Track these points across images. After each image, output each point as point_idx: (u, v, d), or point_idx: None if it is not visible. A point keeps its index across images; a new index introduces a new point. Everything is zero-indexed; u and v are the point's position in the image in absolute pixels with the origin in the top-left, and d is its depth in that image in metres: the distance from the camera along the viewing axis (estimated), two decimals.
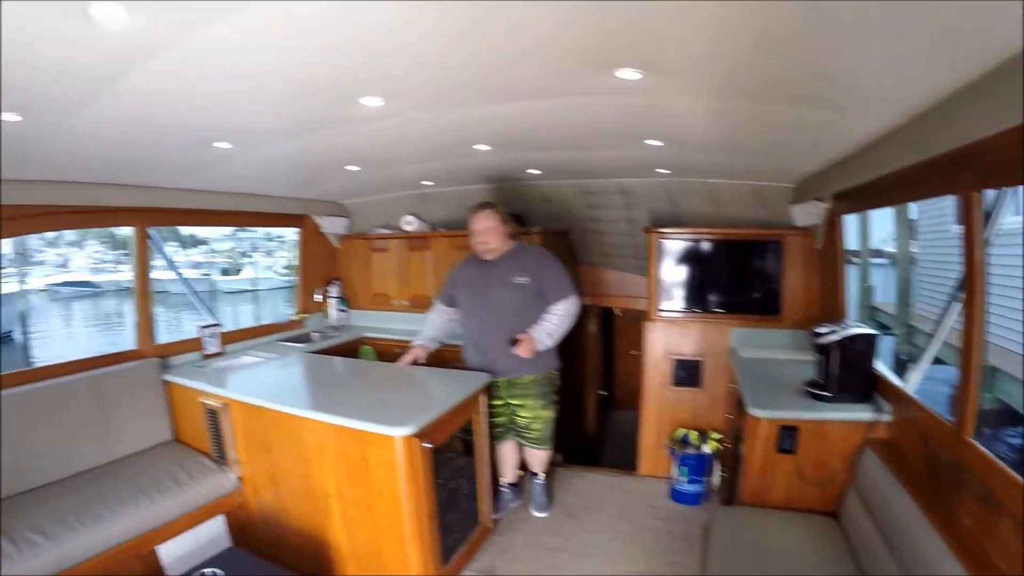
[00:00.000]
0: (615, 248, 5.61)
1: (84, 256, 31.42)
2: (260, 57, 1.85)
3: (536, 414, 3.83)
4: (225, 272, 30.95)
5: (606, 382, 6.98)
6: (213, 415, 3.61)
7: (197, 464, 3.57)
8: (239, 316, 23.17)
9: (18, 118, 2.16)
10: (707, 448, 4.16)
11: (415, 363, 3.91)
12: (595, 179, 4.75)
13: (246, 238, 31.89)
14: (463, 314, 3.93)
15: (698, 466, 4.13)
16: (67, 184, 3.44)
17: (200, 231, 32.60)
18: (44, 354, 15.51)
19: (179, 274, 5.30)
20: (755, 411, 3.03)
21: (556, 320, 3.67)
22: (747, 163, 3.76)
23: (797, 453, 3.02)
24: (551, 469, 4.39)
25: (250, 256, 31.41)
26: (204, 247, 33.02)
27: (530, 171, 4.49)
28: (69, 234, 29.12)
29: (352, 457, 2.97)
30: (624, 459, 5.13)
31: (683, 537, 3.73)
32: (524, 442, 3.94)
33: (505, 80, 2.23)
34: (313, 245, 5.81)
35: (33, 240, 25.74)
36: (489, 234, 3.67)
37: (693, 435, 4.24)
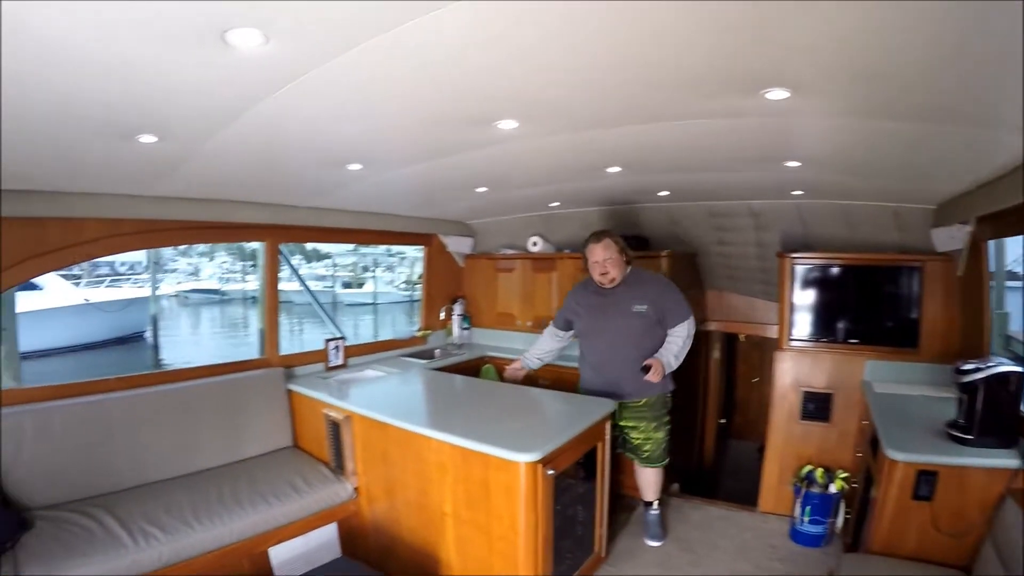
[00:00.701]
0: (742, 272, 5.38)
1: (214, 266, 33.26)
2: (396, 82, 1.85)
3: (649, 435, 3.78)
4: (347, 285, 31.93)
5: (726, 410, 6.68)
6: (335, 426, 3.66)
7: (316, 472, 3.64)
8: (359, 327, 23.88)
9: (154, 139, 2.25)
10: (833, 487, 3.87)
11: (514, 378, 4.12)
12: (725, 201, 4.57)
13: (368, 253, 32.86)
14: (582, 339, 3.95)
15: (823, 506, 3.85)
16: (202, 201, 3.64)
17: (324, 246, 33.94)
18: (171, 355, 16.61)
19: (307, 288, 5.52)
20: (892, 453, 2.75)
21: (680, 343, 3.69)
22: (886, 184, 3.50)
23: (933, 500, 2.72)
24: (666, 498, 4.24)
25: (371, 271, 32.42)
26: (328, 261, 34.29)
27: (660, 193, 4.37)
28: (200, 246, 31.13)
29: (473, 479, 2.93)
30: (741, 491, 4.88)
31: None
32: (636, 461, 3.87)
33: (646, 104, 2.16)
34: (438, 263, 5.89)
35: (167, 250, 27.53)
36: (609, 264, 3.66)
37: (819, 473, 3.95)
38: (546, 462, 2.75)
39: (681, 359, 3.71)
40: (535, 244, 5.55)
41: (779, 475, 4.33)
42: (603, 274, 3.68)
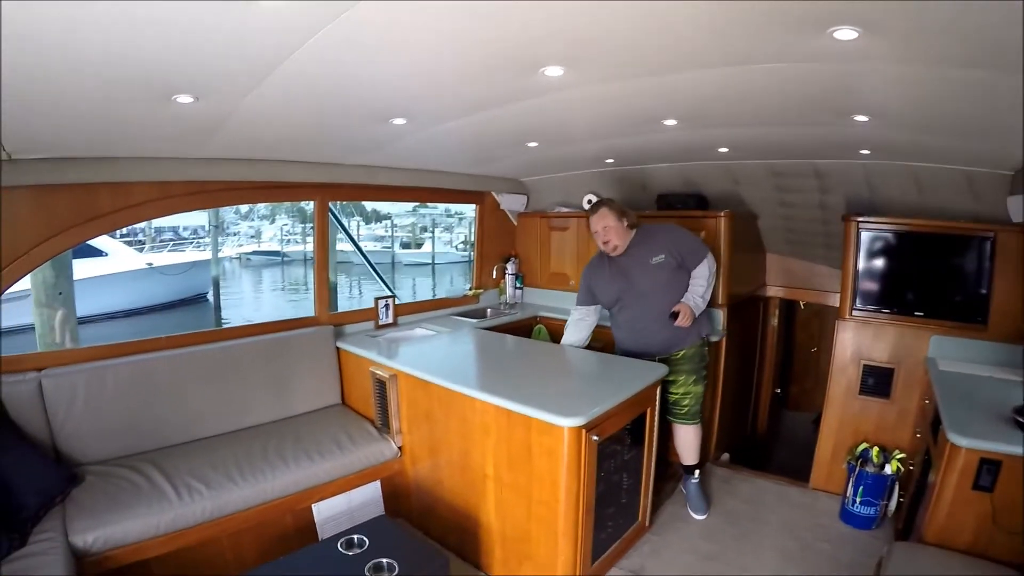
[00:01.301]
0: (804, 236, 5.11)
1: (275, 228, 33.82)
2: (434, 29, 1.75)
3: (687, 389, 3.70)
4: (406, 246, 32.13)
5: (782, 379, 6.47)
6: (381, 385, 3.64)
7: (361, 430, 3.65)
8: (417, 287, 24.18)
9: (191, 99, 2.22)
10: (889, 468, 3.66)
11: None
12: (788, 159, 4.29)
13: (426, 214, 33.03)
14: (612, 312, 3.88)
15: (876, 487, 3.65)
16: (249, 161, 3.63)
17: (383, 207, 34.20)
18: (233, 314, 17.06)
19: (358, 246, 5.53)
20: (954, 437, 2.51)
21: (704, 283, 3.66)
22: (961, 143, 3.20)
23: (994, 492, 2.49)
24: (714, 468, 4.21)
25: (430, 231, 32.59)
26: (387, 221, 34.54)
27: (719, 150, 4.13)
28: (261, 208, 31.82)
29: (515, 441, 2.85)
30: (794, 465, 4.70)
31: (848, 565, 3.31)
32: (673, 419, 3.76)
33: (702, 46, 1.98)
34: (491, 221, 5.79)
35: (228, 214, 28.18)
36: (609, 233, 3.61)
37: (875, 452, 3.75)
38: (591, 427, 2.66)
39: (708, 298, 3.69)
40: (590, 202, 5.33)
41: (833, 451, 4.14)
42: (605, 243, 3.65)
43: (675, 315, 3.56)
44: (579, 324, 3.94)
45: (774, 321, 5.93)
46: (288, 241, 31.23)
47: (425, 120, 3.05)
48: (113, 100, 2.15)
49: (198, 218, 24.71)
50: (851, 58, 1.98)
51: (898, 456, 3.68)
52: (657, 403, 3.32)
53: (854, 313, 4.07)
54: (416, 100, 2.66)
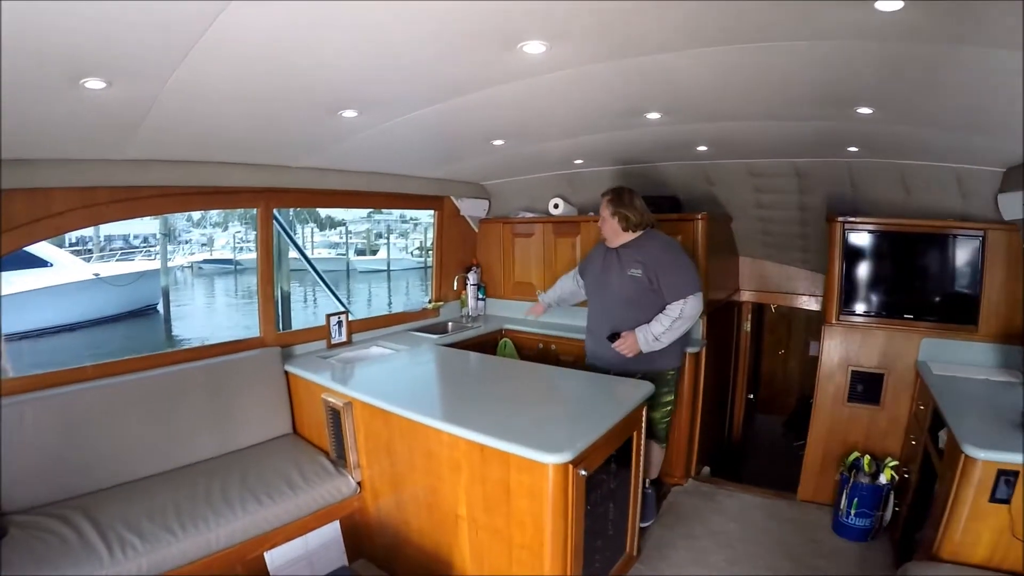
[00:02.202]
0: (780, 239, 4.85)
1: (227, 236, 32.76)
2: None
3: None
4: (361, 252, 31.73)
5: (752, 383, 6.23)
6: (335, 414, 3.22)
7: (315, 464, 3.23)
8: (373, 294, 23.93)
9: (102, 84, 1.84)
10: (883, 478, 3.46)
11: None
12: (767, 159, 4.01)
13: (381, 220, 32.80)
14: (588, 298, 3.76)
15: (871, 498, 3.45)
16: (186, 164, 3.22)
17: (337, 213, 33.84)
18: (184, 327, 16.27)
19: (307, 259, 5.06)
20: (971, 450, 2.32)
21: (667, 323, 3.28)
22: (953, 138, 2.95)
23: (1011, 504, 2.32)
24: (696, 484, 4.07)
25: (384, 237, 32.17)
26: (341, 228, 33.99)
27: (698, 148, 3.82)
28: (214, 215, 30.82)
29: (491, 479, 2.46)
30: (774, 473, 4.56)
31: None
32: None
33: (707, 19, 1.66)
34: (451, 229, 5.36)
35: (180, 222, 27.12)
36: (602, 224, 3.52)
37: (867, 460, 3.55)
38: (578, 462, 2.28)
39: (664, 342, 3.30)
40: (556, 206, 4.99)
41: (822, 461, 3.92)
42: (605, 231, 3.54)
43: (613, 338, 3.35)
44: (571, 281, 3.95)
45: (747, 326, 5.68)
46: (241, 249, 30.22)
47: (380, 112, 2.65)
48: (8, 85, 1.72)
49: (149, 225, 23.75)
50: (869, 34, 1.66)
51: (891, 464, 3.50)
52: (644, 424, 2.96)
53: (841, 318, 3.83)
54: (369, 85, 2.25)
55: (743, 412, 5.85)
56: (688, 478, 4.18)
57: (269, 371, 3.65)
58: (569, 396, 3.09)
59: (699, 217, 4.12)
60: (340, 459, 3.26)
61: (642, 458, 2.98)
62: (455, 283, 5.36)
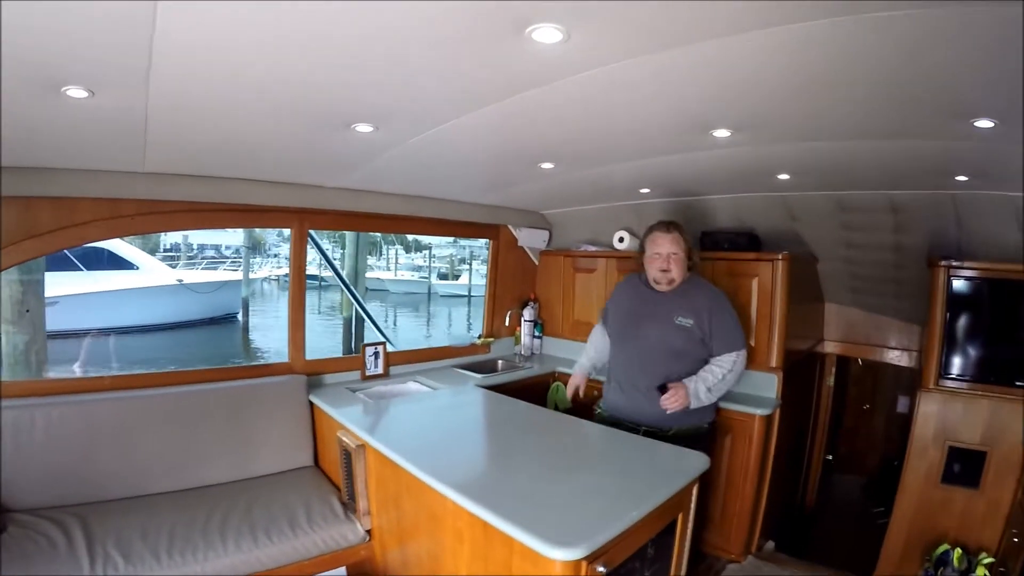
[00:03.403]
0: (870, 283, 4.24)
1: (315, 252, 33.75)
2: None
3: None
4: (443, 276, 31.75)
5: (831, 440, 5.56)
6: (347, 455, 2.88)
7: (325, 506, 2.94)
8: (453, 317, 23.89)
9: (84, 93, 1.74)
10: None
11: (576, 395, 3.41)
12: (858, 191, 3.45)
13: (466, 245, 32.83)
14: (612, 343, 3.28)
15: None
16: (212, 180, 3.12)
17: (424, 236, 34.50)
18: (261, 336, 16.58)
19: (342, 279, 4.80)
20: None
21: (721, 375, 2.95)
22: None
23: None
24: (759, 562, 3.48)
25: (468, 263, 32.30)
26: (426, 252, 34.26)
27: (779, 176, 3.29)
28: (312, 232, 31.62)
29: (494, 560, 2.01)
30: (846, 541, 4.20)
31: None
32: None
33: None
34: (507, 260, 4.99)
35: (270, 236, 27.81)
36: (674, 261, 3.00)
37: (957, 555, 2.96)
38: (596, 557, 1.80)
39: (715, 395, 2.98)
40: (622, 240, 4.52)
41: (904, 547, 3.31)
42: (663, 271, 3.00)
43: (663, 389, 2.90)
44: (600, 336, 3.43)
45: (830, 381, 5.04)
46: (323, 266, 31.01)
47: (399, 126, 2.30)
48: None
49: (237, 237, 24.57)
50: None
51: (985, 561, 2.91)
52: (693, 504, 2.43)
53: (941, 383, 3.21)
54: (374, 94, 1.91)
55: (819, 474, 5.18)
56: (747, 554, 3.59)
57: (293, 399, 3.43)
58: (612, 464, 2.56)
59: (780, 257, 3.57)
60: (352, 502, 2.92)
61: (686, 547, 2.45)
62: (508, 318, 4.96)
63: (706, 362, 3.00)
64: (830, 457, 5.37)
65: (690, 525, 2.42)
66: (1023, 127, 1.95)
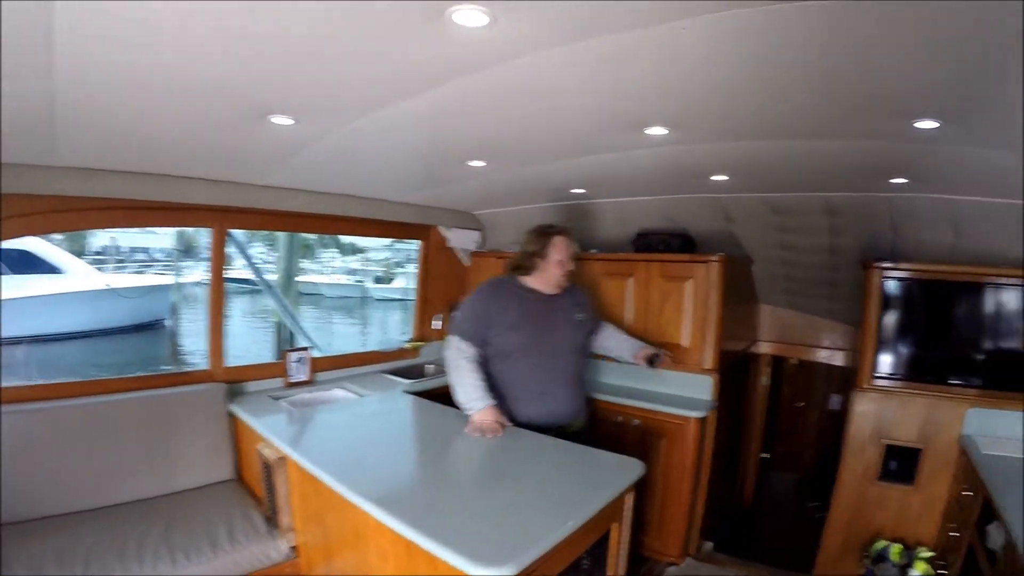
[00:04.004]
0: (805, 285, 4.29)
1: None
2: None
3: None
4: (379, 280, 31.00)
5: (767, 440, 5.64)
6: (268, 469, 2.70)
7: (247, 522, 2.74)
8: (387, 323, 23.40)
9: None
10: (915, 573, 2.91)
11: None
12: (794, 192, 3.45)
13: (402, 249, 32.51)
14: (515, 358, 2.95)
15: None
16: (135, 175, 2.89)
17: (360, 239, 34.01)
18: (193, 343, 15.75)
19: (265, 283, 4.58)
20: None
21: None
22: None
23: None
24: (692, 565, 3.52)
25: (403, 266, 31.93)
26: (361, 255, 33.70)
27: (713, 177, 3.25)
28: (237, 234, 30.73)
29: None
30: (786, 542, 4.18)
31: None
32: None
33: None
34: (437, 262, 4.83)
35: (203, 238, 26.89)
36: (562, 267, 2.99)
37: (895, 550, 3.01)
38: (527, 574, 1.67)
39: None
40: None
41: (843, 544, 3.36)
42: (565, 276, 3.01)
43: (654, 359, 3.19)
44: (477, 365, 2.88)
45: (765, 380, 5.10)
46: (262, 270, 30.31)
47: (320, 118, 2.15)
48: None
49: (167, 239, 23.61)
50: None
51: (924, 555, 2.95)
52: (628, 512, 2.32)
53: (875, 382, 3.24)
54: (294, 82, 1.77)
55: (756, 472, 5.24)
56: (686, 556, 3.55)
57: (212, 409, 3.21)
58: (543, 473, 2.37)
59: (715, 259, 3.53)
60: (275, 517, 2.74)
61: (623, 557, 2.35)
62: (436, 322, 4.80)
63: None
64: (766, 455, 5.42)
65: (627, 533, 2.32)
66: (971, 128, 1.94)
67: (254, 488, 3.04)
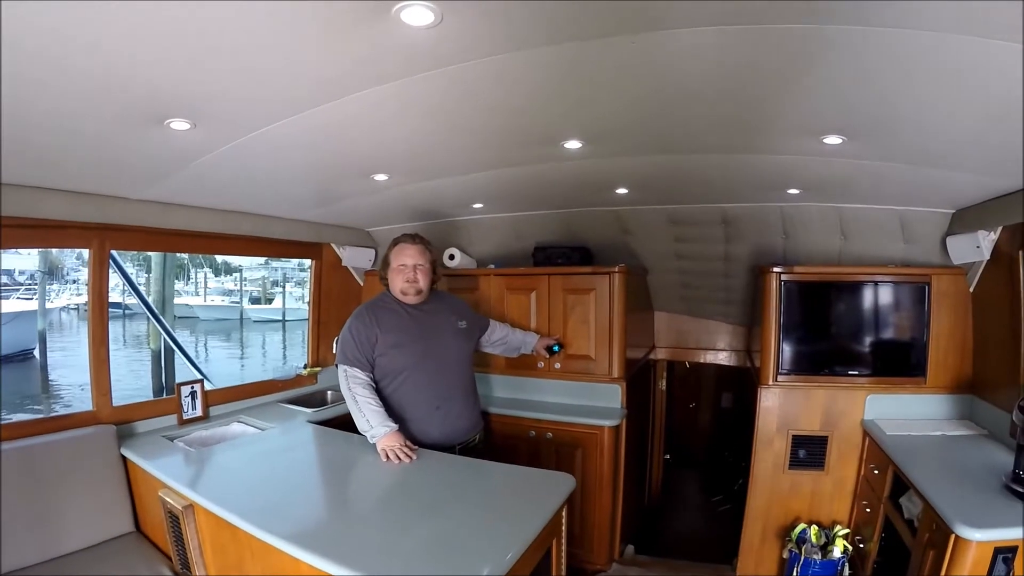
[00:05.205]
0: (701, 291, 4.45)
1: (117, 277, 30.56)
2: None
3: None
4: (256, 301, 30.39)
5: (667, 441, 5.79)
6: (175, 519, 2.43)
7: None
8: (268, 345, 22.76)
9: None
10: (836, 550, 3.05)
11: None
12: (692, 204, 3.57)
13: (278, 267, 31.18)
14: (402, 378, 2.88)
15: (825, 574, 3.04)
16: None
17: (234, 258, 32.57)
18: (65, 375, 14.42)
19: (151, 310, 4.20)
20: (965, 530, 1.98)
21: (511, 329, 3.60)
22: (913, 175, 2.54)
23: None
24: (619, 571, 3.57)
25: (280, 286, 30.63)
26: (237, 275, 32.22)
27: (617, 190, 3.28)
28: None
29: None
30: (696, 533, 4.51)
31: None
32: None
33: None
34: (331, 281, 4.56)
35: (69, 259, 24.80)
36: (421, 272, 2.94)
37: (814, 531, 3.14)
38: None
39: None
40: (452, 258, 4.24)
41: (762, 534, 3.48)
42: (410, 281, 2.91)
43: (551, 348, 3.60)
44: (368, 393, 2.76)
45: (662, 384, 5.29)
46: (128, 292, 28.17)
47: (222, 124, 1.98)
48: None
49: (30, 261, 21.44)
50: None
51: (841, 533, 3.13)
52: (564, 528, 2.26)
53: (779, 378, 3.40)
54: (198, 80, 1.59)
55: (661, 473, 5.39)
56: (612, 562, 3.57)
57: (102, 455, 2.86)
58: (474, 499, 2.25)
59: (616, 270, 3.59)
60: (187, 572, 2.47)
61: (563, 567, 2.28)
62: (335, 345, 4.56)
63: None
64: (668, 456, 5.60)
65: (564, 547, 2.27)
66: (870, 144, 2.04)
67: (158, 540, 2.74)
